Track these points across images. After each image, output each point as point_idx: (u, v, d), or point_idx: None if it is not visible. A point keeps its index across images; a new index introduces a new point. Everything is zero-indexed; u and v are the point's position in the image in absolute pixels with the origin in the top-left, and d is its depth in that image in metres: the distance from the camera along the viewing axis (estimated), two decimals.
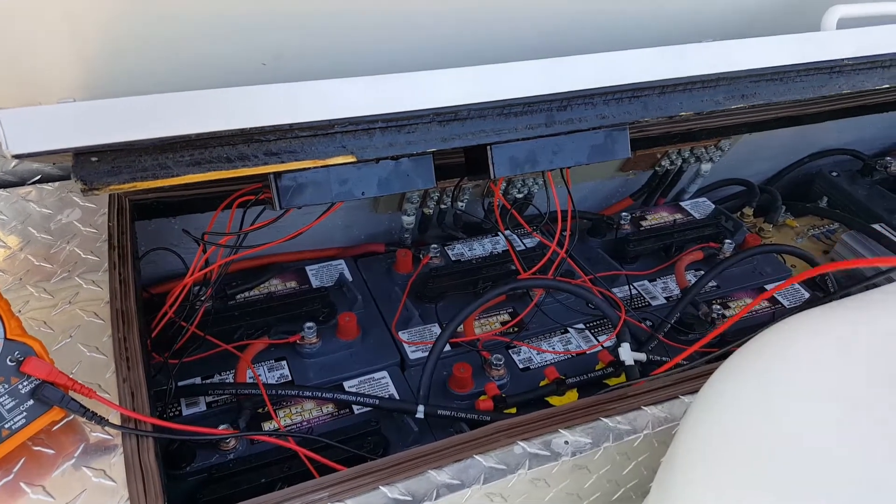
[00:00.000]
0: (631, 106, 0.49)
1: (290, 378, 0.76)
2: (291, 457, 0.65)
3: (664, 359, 0.72)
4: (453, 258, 0.93)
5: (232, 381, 0.72)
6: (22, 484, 0.47)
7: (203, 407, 0.70)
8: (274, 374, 0.76)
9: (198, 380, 0.73)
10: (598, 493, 0.58)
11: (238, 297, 0.83)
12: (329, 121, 0.40)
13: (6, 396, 0.47)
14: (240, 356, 0.71)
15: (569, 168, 0.67)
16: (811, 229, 1.18)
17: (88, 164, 0.37)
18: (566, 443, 0.54)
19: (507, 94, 0.43)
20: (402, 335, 0.81)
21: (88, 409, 0.49)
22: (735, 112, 0.94)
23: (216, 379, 0.74)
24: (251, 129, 0.38)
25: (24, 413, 0.47)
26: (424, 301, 0.87)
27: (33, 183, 0.70)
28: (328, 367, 0.78)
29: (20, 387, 0.47)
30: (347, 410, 0.72)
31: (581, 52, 0.44)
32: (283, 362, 0.77)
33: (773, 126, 1.02)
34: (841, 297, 0.78)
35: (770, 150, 1.19)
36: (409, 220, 0.90)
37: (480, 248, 0.95)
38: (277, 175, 0.50)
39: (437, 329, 0.84)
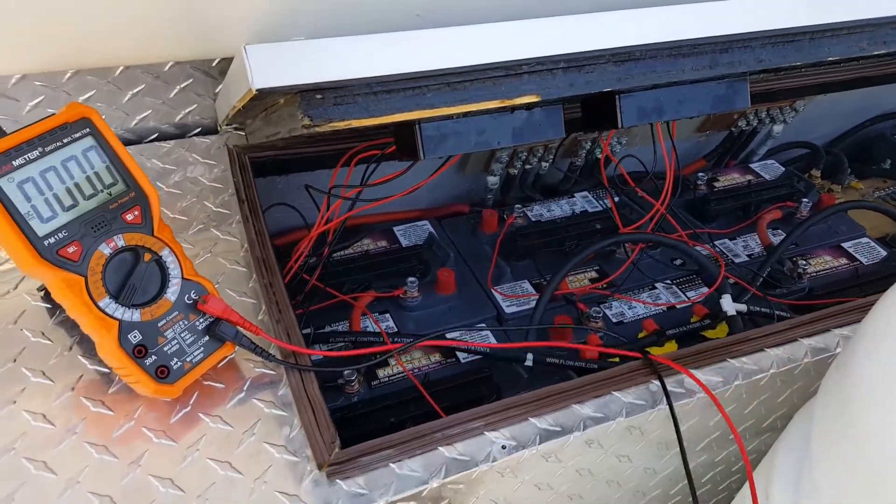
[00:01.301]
0: (785, 50, 0.51)
1: (395, 329, 0.79)
2: (413, 399, 0.68)
3: (764, 310, 0.74)
4: (533, 219, 0.94)
5: (345, 330, 0.75)
6: (200, 414, 0.51)
7: (319, 356, 0.74)
8: (381, 326, 0.79)
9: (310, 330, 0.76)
10: (720, 431, 0.61)
11: (335, 255, 0.86)
12: (518, 61, 0.41)
13: (186, 332, 0.50)
14: (355, 306, 0.74)
15: (675, 122, 0.68)
16: (876, 191, 1.19)
17: (315, 102, 0.39)
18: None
19: (677, 35, 0.44)
20: (497, 290, 0.83)
21: (258, 346, 0.52)
22: (815, 71, 0.95)
23: (327, 329, 0.77)
24: (460, 68, 0.39)
25: (202, 348, 0.50)
26: (512, 259, 0.89)
27: (150, 141, 0.72)
28: (429, 321, 0.80)
29: (197, 323, 0.50)
30: (454, 359, 0.75)
31: None
32: (387, 315, 0.80)
33: (848, 86, 1.02)
34: None
35: (833, 113, 1.19)
36: (493, 180, 0.92)
37: (559, 209, 0.97)
38: (421, 125, 0.52)
39: (528, 285, 0.86)
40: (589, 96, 0.58)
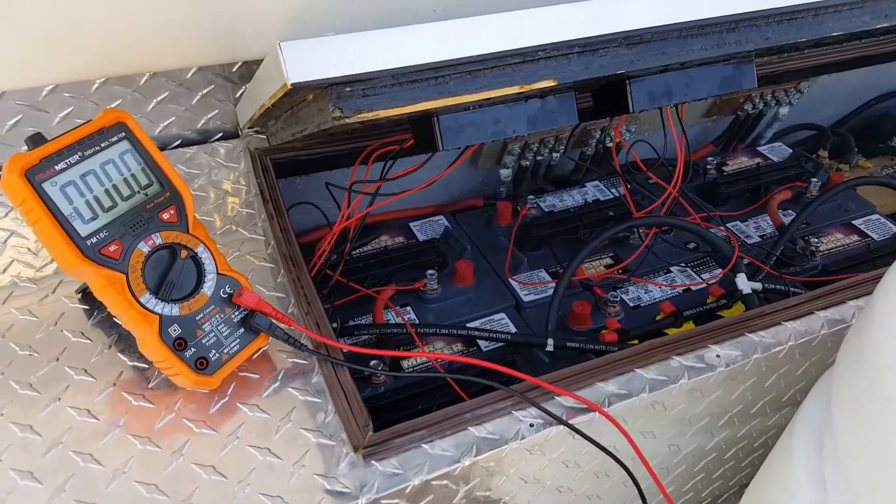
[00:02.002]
0: (790, 28, 0.52)
1: (417, 321, 0.80)
2: (438, 388, 0.70)
3: (779, 287, 0.75)
4: (546, 209, 0.96)
5: (368, 323, 0.77)
6: (238, 404, 0.52)
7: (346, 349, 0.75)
8: (405, 318, 0.80)
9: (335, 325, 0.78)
10: (741, 406, 0.62)
11: (354, 252, 0.88)
12: (535, 47, 0.43)
13: (223, 325, 0.52)
14: (378, 300, 0.76)
15: (684, 105, 0.70)
16: (884, 168, 1.19)
17: (344, 94, 0.41)
18: (718, 356, 0.58)
19: (686, 16, 0.46)
20: (515, 279, 0.85)
21: (291, 336, 0.54)
22: (818, 52, 0.96)
23: (351, 323, 0.79)
24: (480, 56, 0.41)
25: (238, 339, 0.52)
26: (527, 249, 0.91)
27: (174, 147, 0.74)
28: (449, 312, 0.82)
29: (232, 316, 0.52)
30: (475, 348, 0.77)
31: None
32: (408, 307, 0.81)
33: (852, 66, 1.03)
34: None
35: (838, 94, 1.20)
36: (506, 172, 0.93)
37: (570, 199, 0.98)
38: (439, 117, 0.54)
39: (544, 274, 0.87)
40: (600, 83, 0.60)
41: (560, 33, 0.43)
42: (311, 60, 0.38)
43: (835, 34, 0.52)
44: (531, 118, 0.57)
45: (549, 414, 0.49)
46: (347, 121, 0.42)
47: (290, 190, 0.82)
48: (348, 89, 0.41)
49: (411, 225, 0.94)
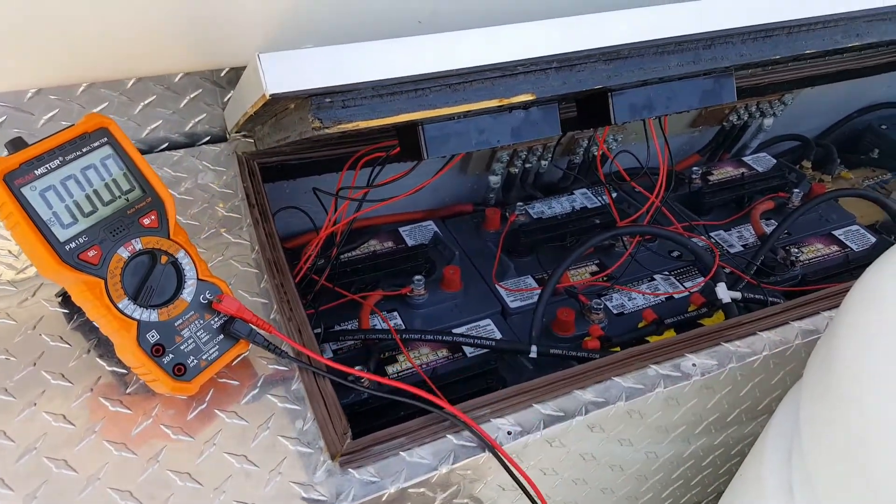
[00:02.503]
0: (764, 45, 0.53)
1: (403, 326, 0.81)
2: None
3: (758, 296, 0.76)
4: (534, 216, 0.97)
5: (354, 328, 0.77)
6: (216, 410, 0.52)
7: (329, 353, 0.76)
8: (390, 324, 0.80)
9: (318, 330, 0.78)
10: (717, 414, 0.63)
11: (343, 256, 0.88)
12: (513, 62, 0.43)
13: (202, 331, 0.52)
14: (364, 305, 0.76)
15: (667, 117, 0.71)
16: (866, 180, 1.21)
17: (324, 105, 0.41)
18: (694, 365, 0.59)
19: (664, 33, 0.47)
20: (502, 285, 0.85)
21: (271, 343, 0.54)
22: (800, 66, 0.98)
23: (336, 328, 0.79)
24: (459, 70, 0.42)
25: (217, 346, 0.52)
26: (515, 255, 0.91)
27: (162, 150, 0.74)
28: (435, 317, 0.83)
29: (212, 322, 0.52)
30: (461, 354, 0.77)
31: None
32: (395, 313, 0.82)
33: (833, 79, 1.05)
34: None
35: (822, 106, 1.22)
36: (495, 179, 0.94)
37: (559, 206, 0.99)
38: (424, 126, 0.54)
39: (531, 280, 0.88)
40: (583, 95, 0.60)
41: (538, 49, 0.43)
42: (289, 72, 0.38)
43: (808, 52, 0.54)
44: (515, 129, 0.58)
45: (479, 438, 0.49)
46: (328, 131, 0.42)
47: (278, 194, 0.82)
48: (328, 100, 0.41)
49: (401, 230, 0.94)
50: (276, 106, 0.48)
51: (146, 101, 0.69)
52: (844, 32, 0.55)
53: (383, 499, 0.49)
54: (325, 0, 0.50)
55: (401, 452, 0.51)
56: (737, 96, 0.63)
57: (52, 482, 0.47)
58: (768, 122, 1.08)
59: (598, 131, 0.84)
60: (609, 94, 0.59)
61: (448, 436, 0.53)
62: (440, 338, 0.73)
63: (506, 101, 0.46)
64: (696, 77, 0.60)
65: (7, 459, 0.47)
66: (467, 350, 0.77)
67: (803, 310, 0.64)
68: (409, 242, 0.91)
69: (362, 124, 0.43)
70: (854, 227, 1.01)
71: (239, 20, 0.50)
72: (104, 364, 0.55)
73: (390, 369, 0.74)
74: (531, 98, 0.47)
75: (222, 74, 0.71)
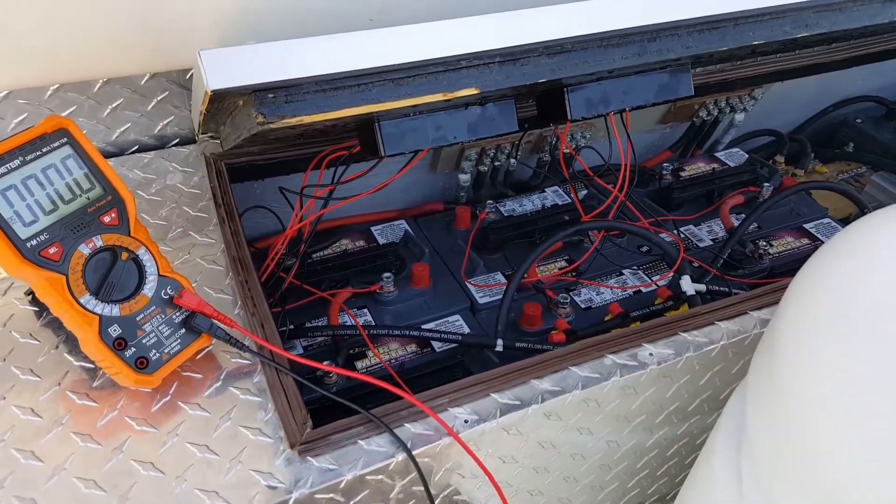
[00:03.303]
0: (711, 37, 0.54)
1: (372, 324, 0.82)
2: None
3: (722, 289, 0.78)
4: (506, 213, 0.98)
5: (322, 325, 0.79)
6: (180, 402, 0.54)
7: (300, 349, 0.77)
8: (358, 320, 0.82)
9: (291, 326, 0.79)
10: (678, 403, 0.64)
11: (314, 255, 0.89)
12: (455, 56, 0.45)
13: (163, 325, 0.53)
14: (333, 302, 0.77)
15: (629, 112, 0.72)
16: (840, 174, 1.23)
17: (267, 100, 0.42)
18: (651, 354, 0.61)
19: (607, 26, 0.48)
20: (470, 282, 0.87)
21: (232, 337, 0.55)
22: (769, 60, 0.99)
23: (306, 325, 0.81)
24: (400, 65, 0.43)
25: (179, 340, 0.54)
26: (484, 252, 0.93)
27: (132, 153, 0.75)
28: (405, 314, 0.84)
29: (174, 317, 0.54)
30: (429, 349, 0.79)
31: None
32: (365, 310, 0.83)
33: (803, 73, 1.07)
34: None
35: (796, 100, 1.24)
36: (465, 178, 0.95)
37: (530, 203, 1.00)
38: (381, 123, 0.56)
39: (500, 277, 0.89)
40: (539, 91, 0.62)
41: (480, 43, 0.45)
42: (230, 68, 0.40)
43: (757, 43, 0.55)
44: (472, 125, 0.59)
45: (398, 439, 0.50)
46: (272, 126, 0.43)
47: (249, 194, 0.84)
48: (271, 95, 0.42)
49: (372, 229, 0.95)
50: (226, 103, 0.49)
51: (114, 105, 0.71)
52: (793, 23, 0.56)
53: (341, 486, 0.50)
54: (281, 1, 0.52)
55: (359, 441, 0.52)
56: (704, 91, 0.64)
57: (19, 472, 0.49)
58: (739, 117, 1.10)
59: (560, 128, 0.86)
60: (565, 89, 0.61)
61: (406, 425, 0.54)
62: (407, 333, 0.75)
63: (450, 95, 0.48)
64: (652, 71, 0.62)
65: None
66: (436, 345, 0.78)
67: (762, 300, 0.66)
68: (381, 241, 0.92)
69: (307, 119, 0.44)
70: (826, 220, 1.02)
71: (195, 20, 0.51)
72: (72, 359, 0.56)
73: (360, 364, 0.75)
74: (476, 92, 0.48)
75: (188, 76, 0.72)
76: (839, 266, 0.44)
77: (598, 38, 0.49)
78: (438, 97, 0.47)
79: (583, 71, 0.51)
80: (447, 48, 0.44)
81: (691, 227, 0.99)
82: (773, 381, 0.45)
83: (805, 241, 0.98)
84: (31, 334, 0.58)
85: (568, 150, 0.90)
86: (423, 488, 0.55)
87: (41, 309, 0.60)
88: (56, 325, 0.60)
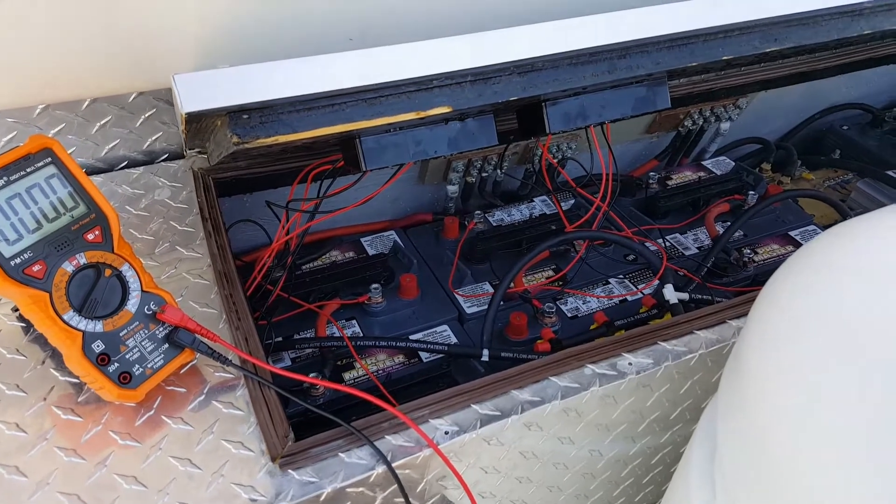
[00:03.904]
0: (681, 53, 0.55)
1: (361, 335, 0.83)
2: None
3: (705, 297, 0.79)
4: (494, 223, 0.99)
5: (310, 336, 0.79)
6: (163, 416, 0.54)
7: (288, 361, 0.78)
8: (346, 332, 0.83)
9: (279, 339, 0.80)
10: (659, 412, 0.65)
11: (304, 267, 0.90)
12: (428, 76, 0.46)
13: (147, 340, 0.54)
14: (320, 314, 0.78)
15: (609, 124, 0.73)
16: (827, 181, 1.24)
17: (241, 121, 0.43)
18: (630, 364, 0.61)
19: (577, 45, 0.49)
20: (458, 292, 0.87)
21: (215, 351, 0.56)
22: (753, 70, 1.00)
23: (294, 337, 0.81)
24: (373, 85, 0.44)
25: (162, 355, 0.54)
26: (472, 262, 0.94)
27: (121, 168, 0.76)
28: (393, 324, 0.85)
29: (157, 332, 0.54)
30: (417, 359, 0.79)
31: (635, 6, 0.50)
32: (353, 321, 0.84)
33: (787, 82, 1.08)
34: None
35: (782, 108, 1.25)
36: (453, 189, 0.97)
37: (518, 213, 1.01)
38: (361, 139, 0.57)
39: (488, 286, 0.90)
40: (518, 105, 0.63)
41: (452, 63, 0.46)
42: (203, 91, 0.41)
43: (726, 58, 0.56)
44: (452, 139, 0.60)
45: (378, 451, 0.51)
46: (247, 146, 0.44)
47: (238, 208, 0.85)
48: (245, 116, 0.43)
49: (362, 240, 0.96)
50: (204, 123, 0.50)
51: (103, 122, 0.72)
52: (762, 38, 0.57)
53: (321, 498, 0.51)
54: (264, 21, 0.53)
55: (339, 454, 0.53)
56: (688, 102, 0.65)
57: (3, 487, 0.49)
58: (725, 126, 1.11)
59: (543, 140, 0.87)
60: (543, 104, 0.62)
61: (387, 437, 0.55)
62: (393, 343, 0.75)
63: (423, 114, 0.49)
64: (629, 85, 0.63)
65: None
66: (423, 355, 0.79)
67: (741, 309, 0.66)
68: (370, 252, 0.93)
69: (282, 139, 0.45)
70: (811, 228, 1.03)
71: (178, 41, 0.52)
72: (58, 374, 0.57)
73: (348, 375, 0.76)
74: (448, 111, 0.49)
75: None
76: (800, 278, 0.45)
77: (567, 57, 0.51)
78: (412, 116, 0.48)
79: (553, 88, 0.52)
80: (419, 68, 0.45)
81: (677, 235, 1.00)
82: (738, 391, 0.46)
83: (790, 248, 0.98)
84: (17, 350, 0.58)
85: (551, 162, 0.92)
86: (404, 500, 0.55)
87: (28, 325, 0.61)
88: (43, 341, 0.60)
